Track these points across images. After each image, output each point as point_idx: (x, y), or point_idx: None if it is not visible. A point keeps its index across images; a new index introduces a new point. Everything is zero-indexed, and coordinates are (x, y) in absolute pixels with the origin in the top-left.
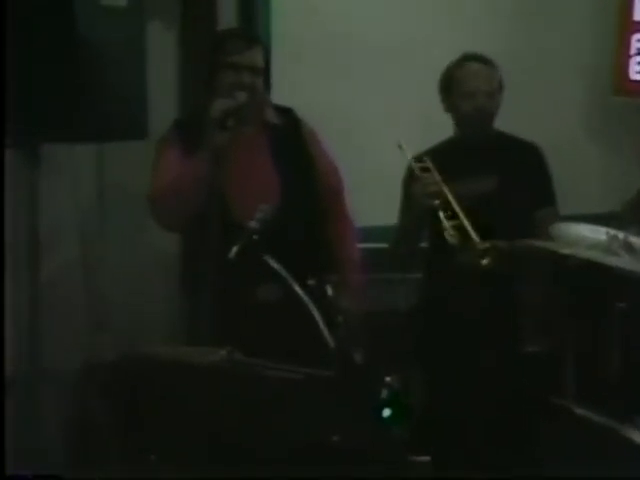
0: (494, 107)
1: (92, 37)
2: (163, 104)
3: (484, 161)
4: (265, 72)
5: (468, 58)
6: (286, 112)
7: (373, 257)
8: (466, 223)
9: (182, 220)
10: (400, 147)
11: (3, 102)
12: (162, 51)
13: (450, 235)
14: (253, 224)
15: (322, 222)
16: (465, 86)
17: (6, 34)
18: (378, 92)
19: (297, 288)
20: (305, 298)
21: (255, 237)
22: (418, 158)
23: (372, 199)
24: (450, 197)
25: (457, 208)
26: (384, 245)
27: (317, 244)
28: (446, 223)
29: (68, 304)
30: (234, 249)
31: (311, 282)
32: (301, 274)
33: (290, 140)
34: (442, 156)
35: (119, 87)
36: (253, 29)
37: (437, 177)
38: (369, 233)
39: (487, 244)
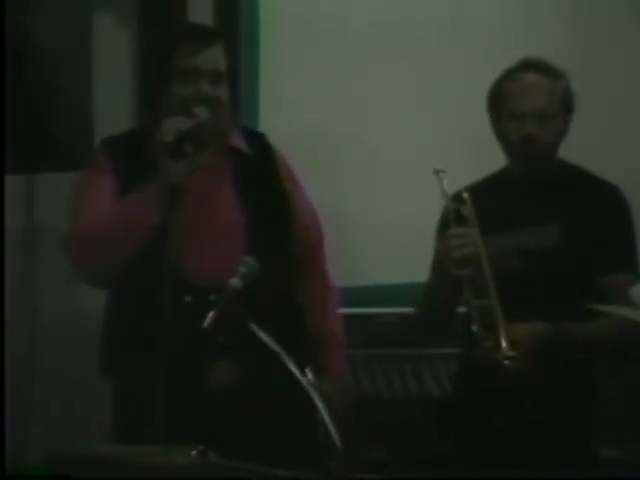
0: (551, 134)
1: (22, 33)
2: (114, 124)
3: (538, 206)
4: (230, 78)
5: (524, 66)
6: (256, 138)
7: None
8: (497, 308)
9: (110, 274)
10: (438, 173)
11: None
12: (114, 53)
13: (473, 318)
14: (235, 282)
15: (295, 283)
16: (512, 105)
17: None
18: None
19: (293, 368)
20: (304, 381)
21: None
22: (456, 197)
23: (364, 251)
24: (485, 265)
25: (490, 283)
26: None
27: (291, 311)
28: (471, 301)
29: None
30: (210, 315)
31: None
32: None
33: (261, 174)
34: (485, 196)
35: (56, 101)
36: (235, 28)
37: (472, 233)
38: (365, 295)
39: (513, 353)
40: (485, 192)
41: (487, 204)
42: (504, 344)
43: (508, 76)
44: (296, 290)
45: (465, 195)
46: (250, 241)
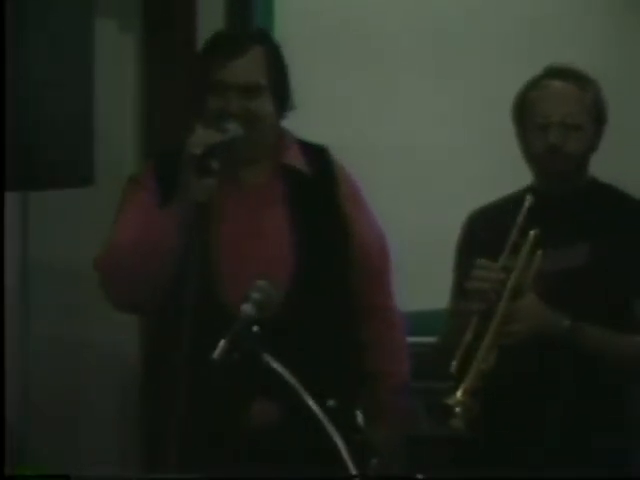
0: (577, 146)
1: (18, 36)
2: (117, 137)
3: (564, 226)
4: (275, 87)
5: (550, 74)
6: (317, 153)
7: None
8: (481, 355)
9: (143, 298)
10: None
11: None
12: (117, 59)
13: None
14: (248, 309)
15: (354, 316)
16: (536, 115)
17: None
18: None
19: (312, 404)
20: (324, 419)
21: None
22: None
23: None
24: (502, 307)
25: (493, 327)
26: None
27: (344, 348)
28: (469, 337)
29: None
30: (221, 345)
31: (331, 403)
32: (317, 390)
33: (318, 193)
34: (505, 217)
35: (52, 111)
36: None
37: (498, 268)
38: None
39: (458, 401)
40: (504, 212)
41: (506, 225)
42: (459, 394)
43: (533, 84)
44: (355, 325)
45: (531, 233)
46: (299, 268)
